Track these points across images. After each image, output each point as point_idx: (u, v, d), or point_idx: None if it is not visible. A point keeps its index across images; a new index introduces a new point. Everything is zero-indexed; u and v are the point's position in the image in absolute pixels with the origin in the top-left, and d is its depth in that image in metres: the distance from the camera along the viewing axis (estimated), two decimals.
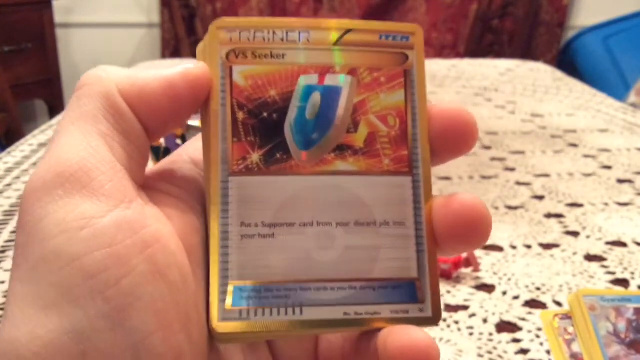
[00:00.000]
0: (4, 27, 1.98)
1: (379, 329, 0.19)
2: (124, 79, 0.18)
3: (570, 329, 0.36)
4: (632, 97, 1.81)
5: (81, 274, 0.15)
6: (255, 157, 0.19)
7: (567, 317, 0.38)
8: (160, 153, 0.48)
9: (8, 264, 0.52)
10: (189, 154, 0.21)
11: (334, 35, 0.20)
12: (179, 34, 2.30)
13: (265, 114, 0.19)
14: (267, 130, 0.19)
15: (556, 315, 0.39)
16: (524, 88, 1.23)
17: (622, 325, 0.33)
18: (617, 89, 1.89)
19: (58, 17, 2.21)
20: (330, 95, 0.19)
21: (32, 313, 0.15)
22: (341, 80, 0.20)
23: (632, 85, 1.91)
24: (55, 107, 2.18)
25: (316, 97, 0.19)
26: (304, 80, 0.19)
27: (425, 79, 0.20)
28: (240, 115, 0.19)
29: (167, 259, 0.17)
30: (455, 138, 0.20)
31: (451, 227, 0.19)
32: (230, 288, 0.18)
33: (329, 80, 0.19)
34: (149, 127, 0.19)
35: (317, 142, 0.19)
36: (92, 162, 0.17)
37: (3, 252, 0.54)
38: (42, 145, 0.84)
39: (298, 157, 0.19)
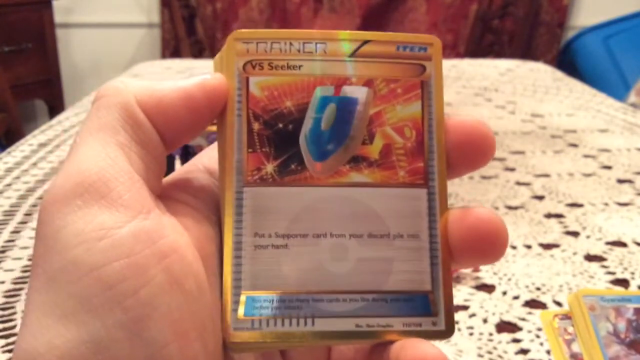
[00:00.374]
0: (4, 27, 1.98)
1: (392, 342, 0.19)
2: (142, 90, 0.18)
3: (570, 329, 0.36)
4: (632, 97, 1.81)
5: (99, 284, 0.16)
6: (269, 167, 0.19)
7: (567, 317, 0.38)
8: None
9: (8, 264, 0.52)
10: (204, 163, 0.21)
11: (350, 47, 0.20)
12: (179, 34, 2.29)
13: (280, 125, 0.19)
14: (282, 141, 0.19)
15: (556, 315, 0.38)
16: (524, 88, 1.23)
17: (622, 325, 0.33)
18: (617, 89, 1.89)
19: (58, 17, 2.21)
20: (346, 106, 0.19)
21: (50, 323, 0.15)
22: (357, 91, 0.20)
23: (632, 85, 1.91)
24: (55, 107, 2.18)
25: (332, 108, 0.19)
26: (320, 92, 0.19)
27: (443, 90, 0.20)
28: (256, 126, 0.19)
29: (183, 269, 0.17)
30: (472, 151, 0.20)
31: (467, 240, 0.19)
32: (243, 298, 0.18)
33: (345, 92, 0.19)
34: (166, 138, 0.19)
35: (332, 154, 0.19)
36: (110, 172, 0.17)
37: (3, 252, 0.54)
38: (42, 145, 0.84)
39: (313, 168, 0.19)
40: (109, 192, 0.16)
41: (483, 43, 2.33)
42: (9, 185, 0.70)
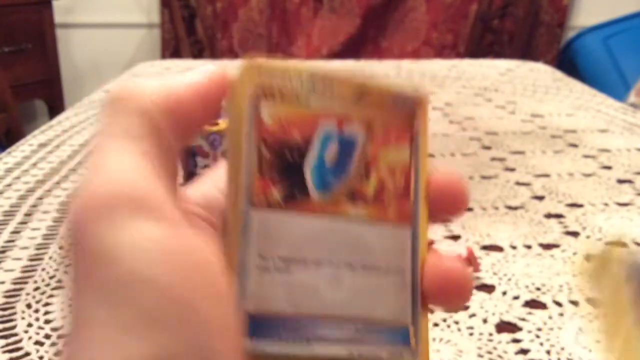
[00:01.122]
0: (4, 27, 1.98)
1: None
2: (158, 92, 0.18)
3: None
4: (632, 98, 1.81)
5: (161, 297, 0.16)
6: (275, 193, 0.20)
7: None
8: None
9: (8, 264, 0.52)
10: (215, 182, 0.21)
11: (354, 90, 0.21)
12: (179, 34, 2.29)
13: (288, 154, 0.20)
14: (289, 169, 0.20)
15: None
16: (524, 88, 1.23)
17: None
18: (617, 89, 1.89)
19: (58, 17, 2.21)
20: (347, 144, 0.21)
21: (113, 336, 0.15)
22: (357, 131, 0.21)
23: (632, 85, 1.91)
24: (55, 107, 2.18)
25: (334, 144, 0.21)
26: (324, 127, 0.21)
27: (428, 143, 0.22)
28: (265, 152, 0.20)
29: (225, 280, 0.17)
30: (448, 204, 0.22)
31: (436, 288, 0.21)
32: (244, 318, 0.19)
33: (347, 130, 0.21)
34: (180, 139, 0.19)
35: (333, 187, 0.20)
36: (142, 184, 0.17)
37: (3, 252, 0.54)
38: (42, 145, 0.85)
39: (314, 198, 0.20)
40: (146, 203, 0.16)
41: (483, 43, 2.33)
42: (9, 185, 0.70)
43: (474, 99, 1.14)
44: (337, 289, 0.20)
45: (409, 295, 0.21)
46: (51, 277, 0.50)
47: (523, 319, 0.44)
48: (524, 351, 0.41)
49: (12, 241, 0.57)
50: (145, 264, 0.16)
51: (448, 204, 0.22)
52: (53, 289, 0.48)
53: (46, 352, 0.41)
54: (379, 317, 0.20)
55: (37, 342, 0.42)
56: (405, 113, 0.22)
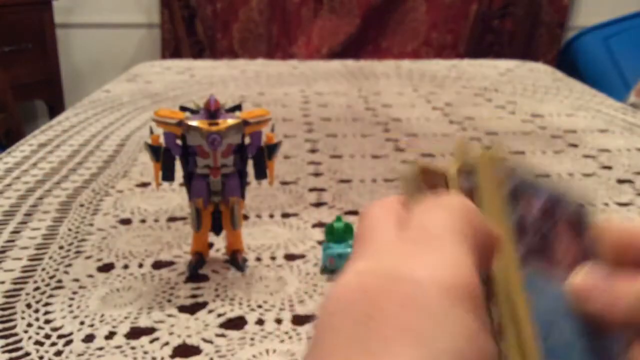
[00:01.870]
0: (4, 27, 1.98)
1: None
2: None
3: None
4: (632, 98, 1.81)
5: None
6: None
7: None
8: (160, 153, 0.48)
9: (8, 264, 0.52)
10: None
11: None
12: (179, 34, 2.30)
13: None
14: None
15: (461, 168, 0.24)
16: (524, 88, 1.23)
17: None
18: (617, 89, 1.89)
19: (58, 17, 2.21)
20: None
21: None
22: None
23: (632, 85, 1.91)
24: (55, 107, 2.18)
25: None
26: None
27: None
28: None
29: None
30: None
31: None
32: None
33: None
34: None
35: None
36: (475, 282, 0.18)
37: (3, 252, 0.54)
38: (42, 145, 0.85)
39: None
40: (476, 300, 0.18)
41: (483, 43, 2.33)
42: (9, 185, 0.70)
43: (474, 99, 1.14)
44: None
45: None
46: (51, 277, 0.50)
47: None
48: None
49: (12, 241, 0.57)
50: (473, 349, 0.17)
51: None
52: (53, 289, 0.48)
53: (46, 352, 0.41)
54: None
55: (37, 342, 0.42)
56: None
